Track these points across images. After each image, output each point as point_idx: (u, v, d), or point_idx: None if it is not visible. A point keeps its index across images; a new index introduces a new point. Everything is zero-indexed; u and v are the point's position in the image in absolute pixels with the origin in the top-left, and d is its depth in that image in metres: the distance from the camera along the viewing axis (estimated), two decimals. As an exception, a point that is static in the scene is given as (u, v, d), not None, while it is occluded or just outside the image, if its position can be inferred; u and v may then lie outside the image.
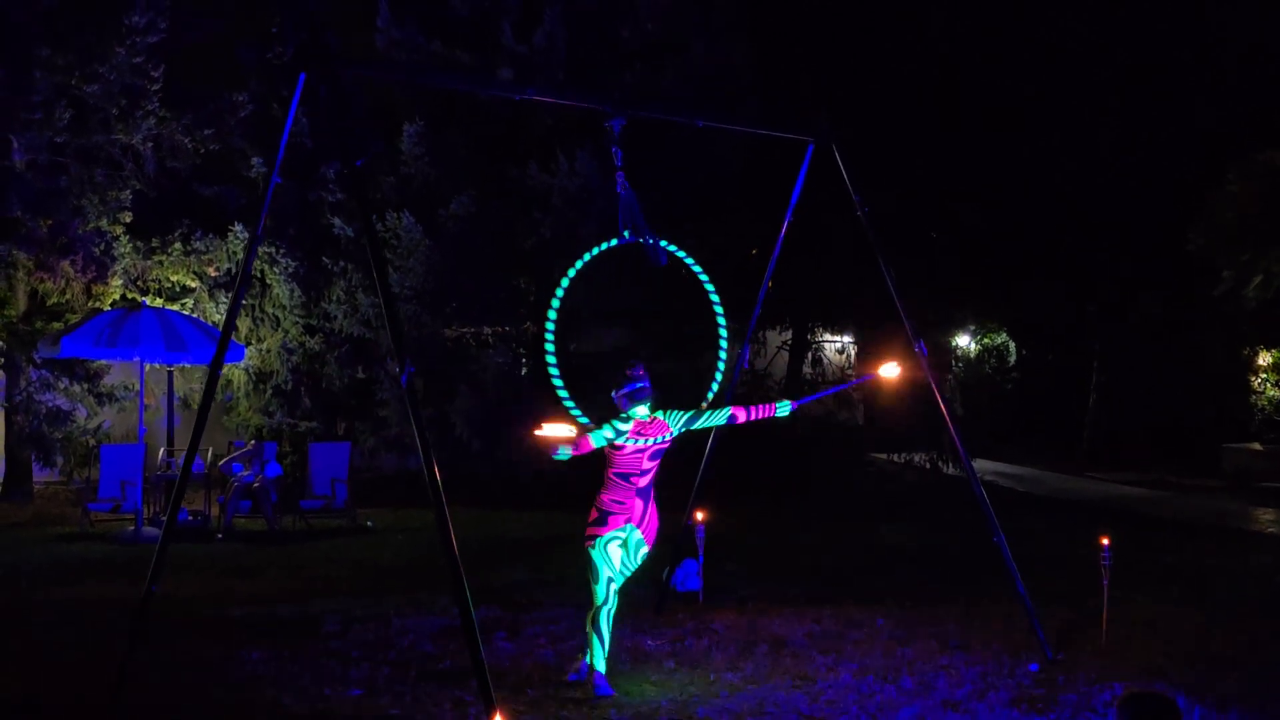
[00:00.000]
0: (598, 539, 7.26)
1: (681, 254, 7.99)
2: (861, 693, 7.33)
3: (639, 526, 7.35)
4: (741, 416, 7.62)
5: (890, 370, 8.36)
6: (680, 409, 7.47)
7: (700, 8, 19.27)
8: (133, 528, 14.40)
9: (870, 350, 23.61)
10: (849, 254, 16.95)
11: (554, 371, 7.40)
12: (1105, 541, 8.77)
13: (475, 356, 18.97)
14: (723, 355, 8.03)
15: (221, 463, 15.40)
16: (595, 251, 7.70)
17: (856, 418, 24.12)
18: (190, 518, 14.90)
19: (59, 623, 9.40)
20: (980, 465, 15.22)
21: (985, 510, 8.38)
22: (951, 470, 21.27)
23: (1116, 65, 21.52)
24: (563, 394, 7.31)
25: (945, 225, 22.96)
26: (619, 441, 7.21)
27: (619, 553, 7.30)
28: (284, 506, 15.10)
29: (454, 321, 19.38)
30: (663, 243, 7.80)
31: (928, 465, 22.04)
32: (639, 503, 7.34)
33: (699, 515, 10.07)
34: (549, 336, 7.54)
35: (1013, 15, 21.94)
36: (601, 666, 7.27)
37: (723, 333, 8.08)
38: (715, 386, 7.93)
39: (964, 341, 29.53)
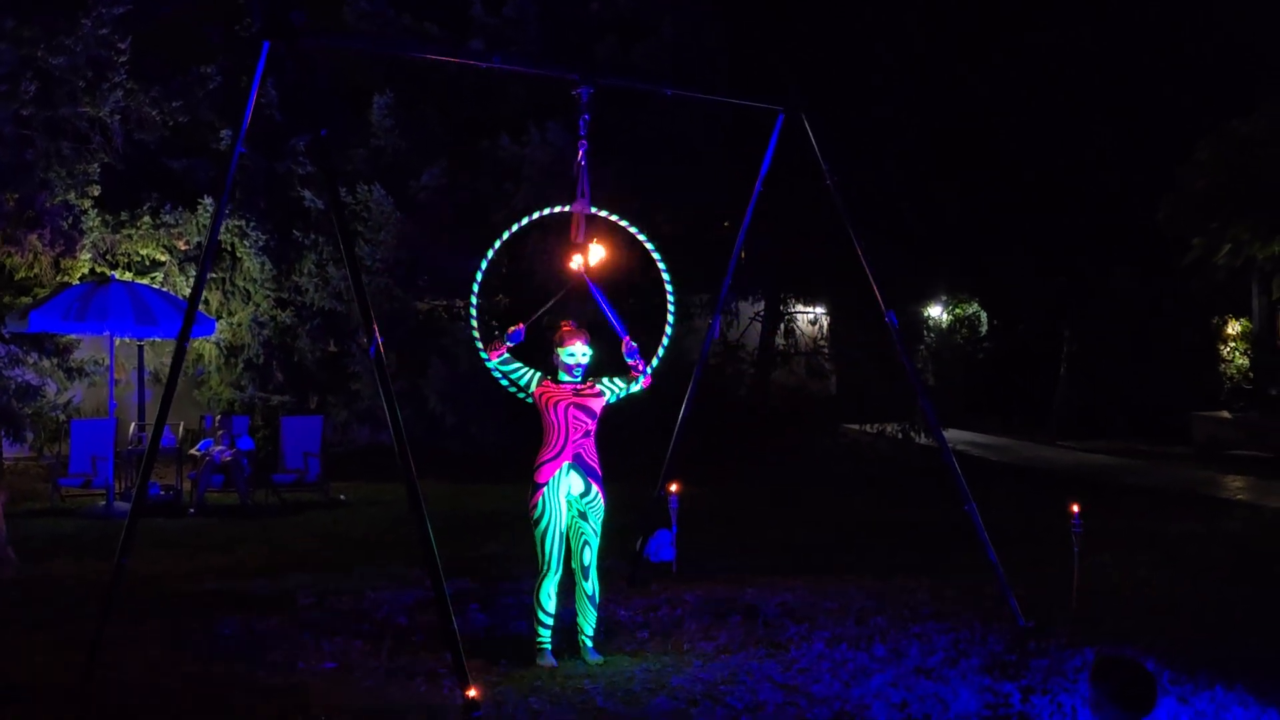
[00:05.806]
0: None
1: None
2: (834, 661, 7.37)
3: None
4: None
5: None
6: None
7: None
8: (104, 503, 14.35)
9: (842, 320, 23.64)
10: (820, 225, 16.96)
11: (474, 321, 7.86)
12: (1075, 509, 8.85)
13: (447, 329, 18.93)
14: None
15: (191, 450, 15.42)
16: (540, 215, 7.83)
17: (829, 388, 24.18)
18: (162, 492, 14.83)
19: (30, 598, 9.34)
20: (952, 435, 15.30)
21: (956, 479, 8.43)
22: (923, 440, 21.36)
23: (1088, 40, 21.56)
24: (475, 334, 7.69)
25: (917, 197, 22.99)
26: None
27: None
28: (256, 480, 15.07)
29: (425, 294, 19.32)
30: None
31: (900, 435, 22.12)
32: None
33: (672, 486, 10.08)
34: (475, 287, 7.70)
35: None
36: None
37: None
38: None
39: (936, 312, 29.59)
